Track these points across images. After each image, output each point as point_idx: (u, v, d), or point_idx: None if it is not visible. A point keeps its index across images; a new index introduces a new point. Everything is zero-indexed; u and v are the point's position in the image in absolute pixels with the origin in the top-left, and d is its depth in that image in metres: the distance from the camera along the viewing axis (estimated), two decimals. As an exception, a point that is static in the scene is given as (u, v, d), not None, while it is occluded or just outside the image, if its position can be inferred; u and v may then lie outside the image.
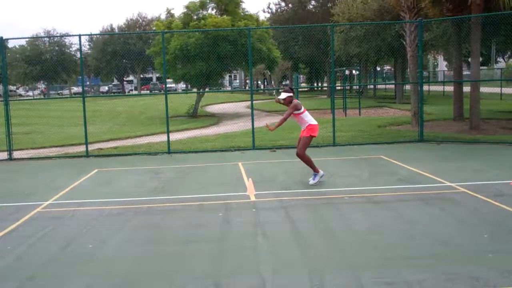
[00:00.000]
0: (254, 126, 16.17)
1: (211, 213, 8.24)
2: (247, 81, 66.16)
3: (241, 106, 36.23)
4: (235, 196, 9.42)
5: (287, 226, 7.37)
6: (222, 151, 15.55)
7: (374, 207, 8.30)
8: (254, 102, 17.23)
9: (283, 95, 10.04)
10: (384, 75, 72.78)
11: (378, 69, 67.41)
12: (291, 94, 10.09)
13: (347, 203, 8.60)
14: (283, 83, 70.39)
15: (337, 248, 6.38)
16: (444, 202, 8.44)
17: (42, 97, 65.75)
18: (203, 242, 6.79)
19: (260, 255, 6.19)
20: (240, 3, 30.49)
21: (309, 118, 10.03)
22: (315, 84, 72.94)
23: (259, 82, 71.52)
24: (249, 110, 18.32)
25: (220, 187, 10.22)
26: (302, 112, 9.96)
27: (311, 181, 10.05)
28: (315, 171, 10.09)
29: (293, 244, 6.58)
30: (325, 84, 68.19)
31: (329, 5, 47.41)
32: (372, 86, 51.02)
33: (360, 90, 38.66)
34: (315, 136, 10.12)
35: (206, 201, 9.12)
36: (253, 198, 9.17)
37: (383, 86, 59.71)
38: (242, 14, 30.38)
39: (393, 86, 49.57)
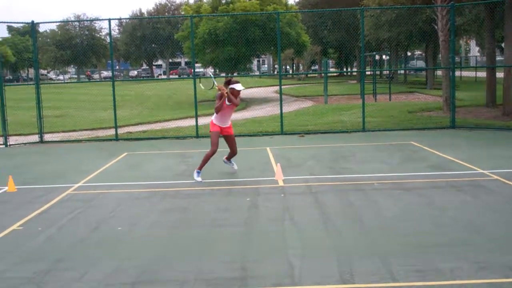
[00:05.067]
0: (283, 111, 16.07)
1: (239, 198, 8.22)
2: (276, 65, 65.88)
3: (270, 91, 36.07)
4: (263, 181, 9.39)
5: (316, 211, 7.31)
6: (250, 135, 15.51)
7: (404, 193, 8.17)
8: (282, 87, 17.11)
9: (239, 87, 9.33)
10: (416, 60, 71.60)
11: (409, 54, 66.42)
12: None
13: (376, 189, 8.49)
14: (312, 68, 69.94)
15: (366, 234, 6.29)
16: (477, 189, 8.27)
17: (75, 81, 66.47)
18: (231, 226, 6.78)
19: (288, 240, 6.14)
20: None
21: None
22: (345, 69, 72.28)
23: (288, 67, 71.15)
24: (278, 95, 18.26)
25: (248, 172, 10.19)
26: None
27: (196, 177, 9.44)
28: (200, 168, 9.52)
29: (321, 229, 6.52)
30: (354, 69, 67.58)
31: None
32: (402, 72, 50.30)
33: (391, 75, 38.12)
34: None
35: (234, 185, 9.11)
36: (281, 183, 9.12)
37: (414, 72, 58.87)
38: (271, -2, 30.16)
39: (424, 71, 48.82)
